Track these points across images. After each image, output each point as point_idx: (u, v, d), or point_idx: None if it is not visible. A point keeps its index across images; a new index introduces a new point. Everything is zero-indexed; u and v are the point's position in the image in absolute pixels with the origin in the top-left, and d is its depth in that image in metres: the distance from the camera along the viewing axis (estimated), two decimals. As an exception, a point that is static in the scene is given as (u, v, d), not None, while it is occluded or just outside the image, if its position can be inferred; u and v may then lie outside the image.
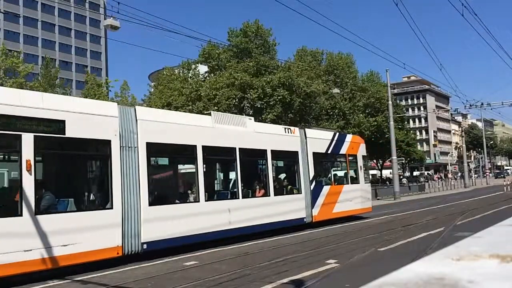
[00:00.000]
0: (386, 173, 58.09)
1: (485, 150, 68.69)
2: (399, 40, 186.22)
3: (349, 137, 18.21)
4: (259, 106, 32.80)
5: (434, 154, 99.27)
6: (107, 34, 73.94)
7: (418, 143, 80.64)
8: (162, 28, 36.29)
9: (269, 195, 13.38)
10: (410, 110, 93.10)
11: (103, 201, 9.42)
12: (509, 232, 1.34)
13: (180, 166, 12.95)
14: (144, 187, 9.77)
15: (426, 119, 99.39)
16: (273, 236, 12.73)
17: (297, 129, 15.45)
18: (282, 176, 15.03)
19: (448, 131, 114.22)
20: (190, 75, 36.87)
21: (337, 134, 17.59)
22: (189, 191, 11.69)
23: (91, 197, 9.96)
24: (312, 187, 14.94)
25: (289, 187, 14.61)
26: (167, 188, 12.21)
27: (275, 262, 8.76)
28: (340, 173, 17.44)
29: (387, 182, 49.54)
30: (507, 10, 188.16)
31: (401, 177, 55.77)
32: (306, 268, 8.01)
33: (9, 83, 31.29)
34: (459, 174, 67.51)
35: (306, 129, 15.85)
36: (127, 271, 8.65)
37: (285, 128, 15.05)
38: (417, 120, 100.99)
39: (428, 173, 77.33)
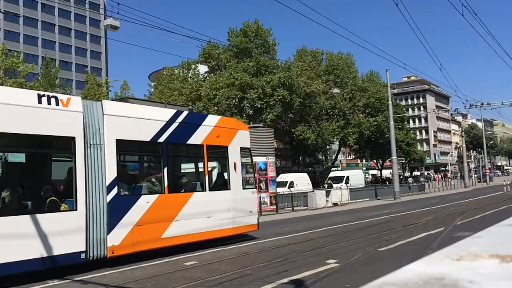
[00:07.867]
0: (386, 173, 58.12)
1: (485, 150, 68.68)
2: (399, 40, 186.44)
3: (212, 120, 12.02)
4: (259, 106, 32.81)
5: (434, 154, 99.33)
6: (107, 34, 73.99)
7: (418, 143, 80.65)
8: (162, 28, 36.30)
9: None
10: (410, 110, 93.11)
11: None
12: (509, 232, 1.34)
13: None
14: None
15: (426, 119, 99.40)
16: (273, 237, 12.72)
17: (76, 98, 9.16)
18: (29, 181, 8.93)
19: (448, 131, 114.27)
20: (190, 75, 36.94)
21: (187, 113, 11.25)
22: None
23: None
24: (110, 198, 9.01)
25: (50, 200, 8.38)
26: None
27: (275, 262, 8.76)
28: (191, 175, 11.86)
29: (387, 182, 49.55)
30: (507, 10, 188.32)
31: (403, 177, 55.81)
32: (306, 268, 8.00)
33: (9, 83, 31.29)
34: (459, 174, 67.49)
35: (106, 101, 10.12)
36: (126, 271, 8.65)
37: (40, 96, 8.36)
38: (417, 120, 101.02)
39: (427, 173, 77.27)
